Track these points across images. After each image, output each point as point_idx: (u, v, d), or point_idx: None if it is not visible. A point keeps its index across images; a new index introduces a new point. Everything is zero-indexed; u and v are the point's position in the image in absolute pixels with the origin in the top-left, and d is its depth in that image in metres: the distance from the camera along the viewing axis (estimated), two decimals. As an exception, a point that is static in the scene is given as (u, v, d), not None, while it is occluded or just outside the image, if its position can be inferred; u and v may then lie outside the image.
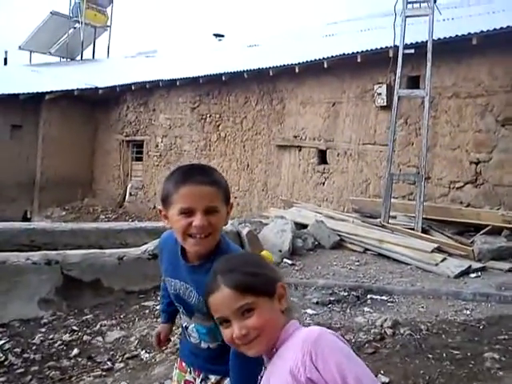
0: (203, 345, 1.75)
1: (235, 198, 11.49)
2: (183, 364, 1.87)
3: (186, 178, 1.58)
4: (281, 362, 1.24)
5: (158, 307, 4.71)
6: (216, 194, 1.58)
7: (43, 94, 13.58)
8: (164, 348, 1.99)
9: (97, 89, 13.92)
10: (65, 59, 21.23)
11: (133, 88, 13.35)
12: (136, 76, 13.85)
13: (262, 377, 1.33)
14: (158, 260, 1.90)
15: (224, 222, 1.63)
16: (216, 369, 1.74)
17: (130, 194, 14.26)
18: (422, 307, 4.81)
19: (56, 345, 3.95)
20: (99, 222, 11.95)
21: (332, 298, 4.93)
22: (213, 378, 1.75)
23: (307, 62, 9.68)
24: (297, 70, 9.81)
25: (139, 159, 14.27)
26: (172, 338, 2.12)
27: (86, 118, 14.69)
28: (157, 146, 13.50)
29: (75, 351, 3.83)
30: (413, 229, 7.01)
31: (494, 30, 7.26)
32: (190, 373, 1.83)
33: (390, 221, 7.39)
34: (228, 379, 1.70)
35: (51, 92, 13.65)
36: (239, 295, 1.21)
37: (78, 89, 13.80)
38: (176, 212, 1.57)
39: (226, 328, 1.26)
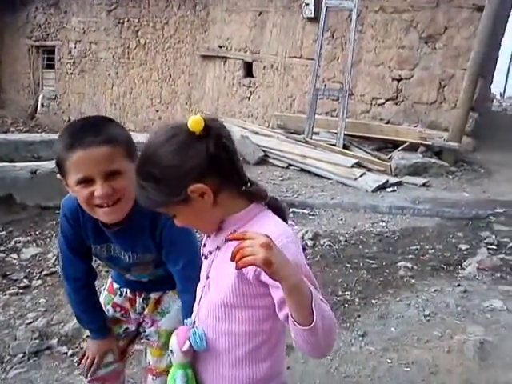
0: (144, 279, 1.70)
1: (157, 111, 11.08)
2: (114, 286, 1.80)
3: (74, 142, 1.32)
4: None
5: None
6: (114, 152, 1.34)
7: None
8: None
9: (-1, -15, 12.49)
10: None
11: (41, -14, 12.10)
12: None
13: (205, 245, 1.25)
14: (60, 232, 1.60)
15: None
16: (157, 288, 1.71)
17: (42, 105, 13.31)
18: (341, 220, 4.99)
19: (-34, 263, 3.74)
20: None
21: (255, 212, 4.96)
22: (153, 295, 1.72)
23: (233, -35, 9.13)
24: (222, -26, 9.25)
25: (51, 67, 13.19)
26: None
27: (-12, 19, 13.28)
28: (70, 52, 12.49)
29: (-13, 269, 3.65)
30: (335, 145, 7.13)
31: None
32: (120, 295, 1.77)
33: (313, 137, 7.45)
34: (169, 292, 1.69)
35: None
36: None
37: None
38: (73, 182, 1.36)
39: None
